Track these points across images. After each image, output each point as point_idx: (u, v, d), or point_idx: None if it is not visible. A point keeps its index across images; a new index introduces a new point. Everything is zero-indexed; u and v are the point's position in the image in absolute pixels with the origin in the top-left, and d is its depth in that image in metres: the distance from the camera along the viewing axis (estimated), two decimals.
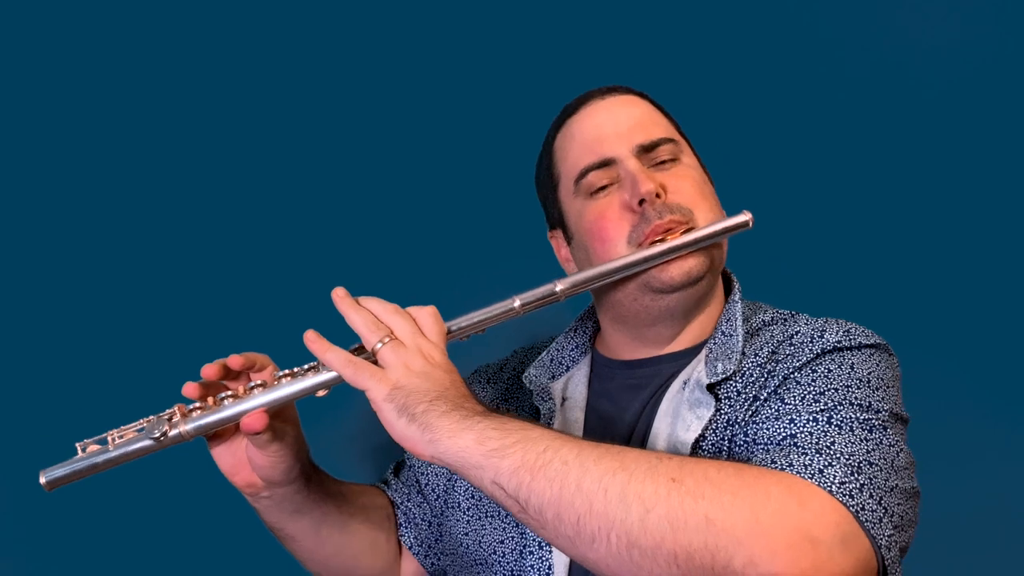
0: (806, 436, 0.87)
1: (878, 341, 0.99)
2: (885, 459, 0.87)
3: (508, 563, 1.06)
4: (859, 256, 1.57)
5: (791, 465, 0.83)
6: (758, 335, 1.05)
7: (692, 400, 1.00)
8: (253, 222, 1.58)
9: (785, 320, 1.06)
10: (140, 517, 1.45)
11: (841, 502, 0.81)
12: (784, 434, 0.88)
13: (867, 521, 0.81)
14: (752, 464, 0.86)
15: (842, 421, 0.88)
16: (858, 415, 0.89)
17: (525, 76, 1.62)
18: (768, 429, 0.90)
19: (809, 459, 0.84)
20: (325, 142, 1.62)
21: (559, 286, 1.00)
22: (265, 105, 1.61)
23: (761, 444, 0.90)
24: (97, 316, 1.52)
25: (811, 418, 0.89)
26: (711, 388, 1.00)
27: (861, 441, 0.87)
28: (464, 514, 1.13)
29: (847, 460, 0.84)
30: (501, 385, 1.23)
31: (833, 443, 0.86)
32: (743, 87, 1.61)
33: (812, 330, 1.00)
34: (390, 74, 1.64)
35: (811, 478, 0.82)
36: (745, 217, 1.04)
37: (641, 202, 1.03)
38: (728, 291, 1.13)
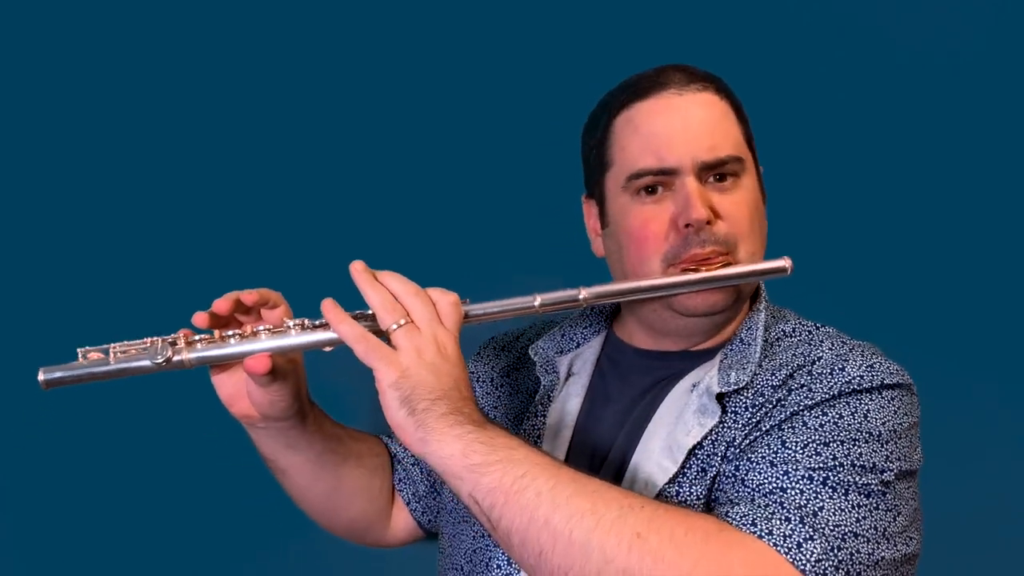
0: (795, 495, 0.86)
1: (901, 380, 0.95)
2: (876, 528, 0.85)
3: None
4: (860, 255, 1.55)
5: (770, 533, 0.83)
6: (777, 345, 1.03)
7: (699, 405, 0.99)
8: (287, 187, 1.60)
9: (810, 333, 1.03)
10: (135, 435, 1.48)
11: None
12: (774, 486, 0.87)
13: None
14: (731, 516, 0.86)
15: (837, 483, 0.86)
16: (857, 479, 0.87)
17: (557, 60, 1.59)
18: (760, 474, 0.89)
19: (791, 528, 0.83)
20: (360, 120, 1.62)
21: (583, 293, 0.98)
22: (298, 87, 1.62)
23: (749, 488, 0.89)
24: (126, 247, 1.55)
25: (806, 475, 0.87)
26: (720, 398, 0.99)
27: (853, 508, 0.85)
28: None
29: (831, 532, 0.83)
30: (514, 354, 1.23)
31: (821, 509, 0.84)
32: (755, 85, 1.57)
33: (834, 359, 0.97)
34: (420, 58, 1.61)
35: (787, 553, 0.82)
36: (783, 263, 1.01)
37: (688, 224, 1.00)
38: (754, 296, 1.10)
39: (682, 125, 1.02)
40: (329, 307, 0.90)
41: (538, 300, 0.97)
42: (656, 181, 1.02)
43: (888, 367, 0.96)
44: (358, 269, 0.91)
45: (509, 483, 0.82)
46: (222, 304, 0.96)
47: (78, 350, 0.93)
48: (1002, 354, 1.53)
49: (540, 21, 1.60)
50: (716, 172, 1.02)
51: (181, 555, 1.52)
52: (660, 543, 0.80)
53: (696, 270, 0.99)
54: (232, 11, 1.59)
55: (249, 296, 0.97)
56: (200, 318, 0.95)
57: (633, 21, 1.59)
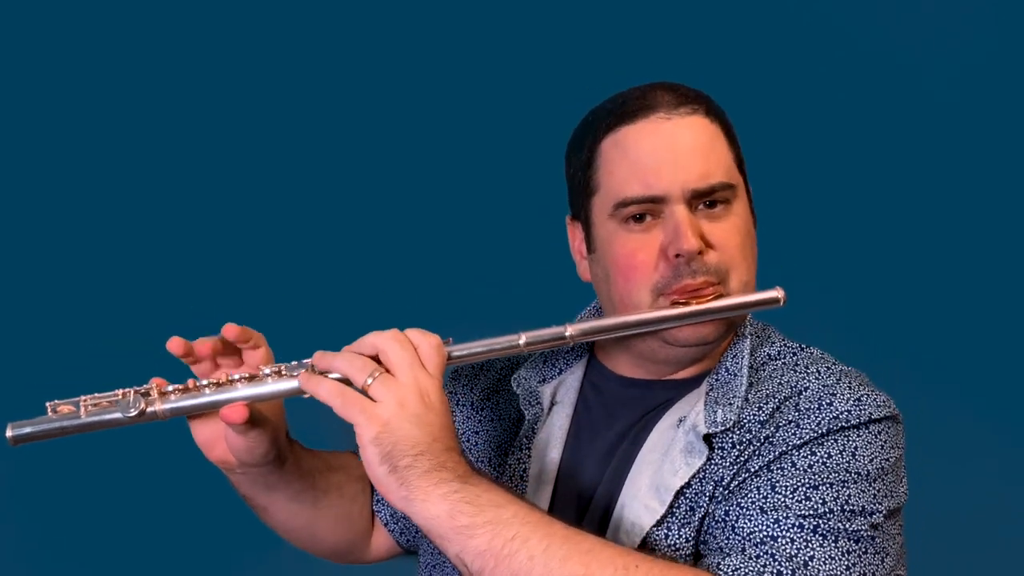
0: (786, 544, 0.85)
1: (888, 413, 0.94)
2: (865, 574, 0.86)
3: None
4: (859, 255, 1.54)
5: None
6: (762, 371, 1.01)
7: (686, 443, 0.97)
8: (270, 224, 1.57)
9: (795, 356, 1.02)
10: (109, 483, 1.45)
11: None
12: (765, 535, 0.87)
13: None
14: (722, 568, 0.85)
15: (828, 531, 0.86)
16: (847, 524, 0.87)
17: (544, 77, 1.55)
18: (751, 521, 0.88)
19: None
20: (344, 151, 1.60)
21: (569, 331, 0.95)
22: (286, 115, 1.58)
23: (740, 537, 0.88)
24: (97, 283, 1.51)
25: (797, 523, 0.86)
26: (707, 437, 0.97)
27: (843, 555, 0.85)
28: None
29: None
30: (492, 375, 1.20)
31: (812, 558, 0.84)
32: (750, 88, 1.54)
33: (821, 390, 0.95)
34: (409, 83, 1.58)
35: None
36: (776, 294, 0.98)
37: (678, 255, 0.96)
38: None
39: (671, 151, 0.98)
40: (308, 375, 0.88)
41: (523, 339, 0.94)
42: (644, 209, 0.99)
43: (875, 399, 0.94)
44: (318, 356, 0.89)
45: (499, 546, 0.80)
46: (203, 347, 0.94)
47: (47, 404, 0.90)
48: (1004, 355, 1.52)
49: (528, 40, 1.57)
50: (706, 199, 0.99)
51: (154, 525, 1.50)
52: None
53: (687, 303, 0.96)
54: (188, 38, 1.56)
55: (232, 329, 0.94)
56: (176, 343, 0.93)
57: (620, 37, 1.56)
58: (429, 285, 1.46)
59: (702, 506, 0.93)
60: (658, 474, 0.97)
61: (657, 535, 0.94)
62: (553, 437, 1.07)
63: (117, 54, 1.56)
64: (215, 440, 0.97)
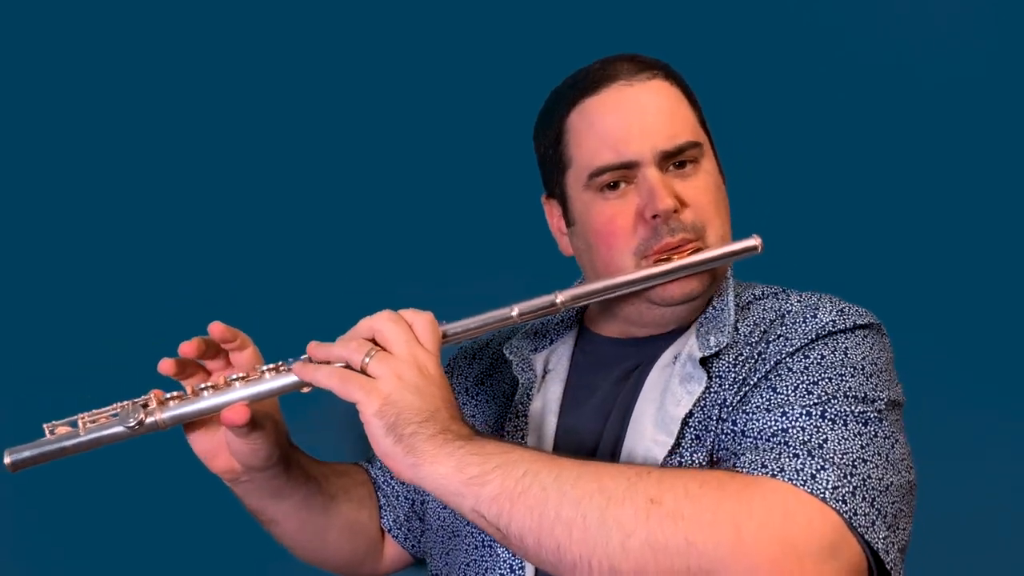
0: (798, 432, 0.85)
1: (871, 320, 0.97)
2: (880, 454, 0.85)
3: (480, 535, 1.05)
4: (858, 243, 1.54)
5: (782, 471, 0.81)
6: (749, 308, 1.03)
7: (683, 374, 0.98)
8: (251, 219, 1.54)
9: (776, 296, 1.04)
10: (112, 503, 1.41)
11: (834, 508, 0.79)
12: (775, 428, 0.86)
13: (860, 526, 0.80)
14: (739, 466, 0.84)
15: (836, 415, 0.86)
16: (853, 408, 0.87)
17: (525, 68, 1.56)
18: (759, 421, 0.88)
19: (801, 463, 0.82)
20: (325, 140, 1.58)
21: (559, 298, 0.97)
22: (270, 106, 1.57)
23: (751, 437, 0.88)
24: (80, 298, 1.49)
25: (804, 412, 0.87)
26: (704, 362, 0.98)
27: (855, 436, 0.85)
28: None
29: (840, 460, 0.82)
30: (485, 361, 1.21)
31: (826, 440, 0.84)
32: (742, 81, 1.57)
33: (805, 308, 0.98)
34: (391, 72, 1.58)
35: (803, 485, 0.80)
36: (754, 242, 1.01)
37: (655, 215, 0.99)
38: None
39: (638, 116, 1.01)
40: (303, 364, 0.89)
41: (516, 310, 0.96)
42: (617, 176, 1.01)
43: (857, 309, 0.98)
44: (312, 346, 0.90)
45: (511, 486, 0.80)
46: (188, 346, 0.93)
47: (44, 426, 0.89)
48: (1005, 349, 1.52)
49: (513, 33, 1.58)
50: (676, 160, 1.02)
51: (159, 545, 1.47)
52: (676, 502, 0.78)
53: (668, 259, 0.99)
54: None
55: (217, 327, 0.94)
56: (166, 365, 0.93)
57: (589, 19, 1.58)
58: (417, 281, 1.45)
59: (711, 430, 0.94)
60: (661, 409, 0.97)
61: (671, 464, 0.94)
62: (549, 403, 1.08)
63: (98, 44, 1.55)
64: (217, 449, 0.97)
